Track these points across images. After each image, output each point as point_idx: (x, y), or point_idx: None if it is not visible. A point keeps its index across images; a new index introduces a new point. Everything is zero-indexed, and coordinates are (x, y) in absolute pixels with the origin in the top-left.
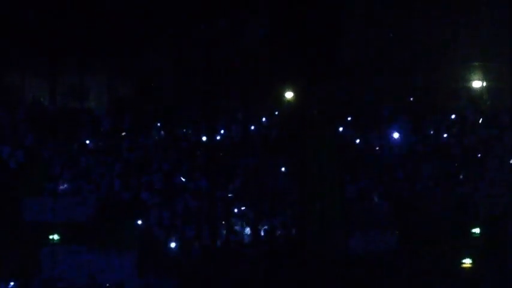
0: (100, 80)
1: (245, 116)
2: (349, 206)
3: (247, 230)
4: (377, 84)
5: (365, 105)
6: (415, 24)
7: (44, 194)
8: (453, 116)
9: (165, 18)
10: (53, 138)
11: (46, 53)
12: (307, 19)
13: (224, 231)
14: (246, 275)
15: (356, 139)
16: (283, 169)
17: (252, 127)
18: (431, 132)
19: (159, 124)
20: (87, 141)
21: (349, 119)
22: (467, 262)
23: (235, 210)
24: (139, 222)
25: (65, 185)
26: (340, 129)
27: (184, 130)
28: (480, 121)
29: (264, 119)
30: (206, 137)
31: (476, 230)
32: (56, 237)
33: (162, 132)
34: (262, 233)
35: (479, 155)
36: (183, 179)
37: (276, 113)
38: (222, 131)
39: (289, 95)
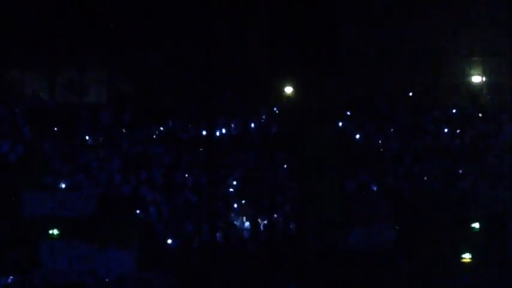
0: (100, 75)
1: (245, 113)
2: (348, 202)
3: (247, 226)
4: (376, 80)
5: (364, 101)
6: (415, 20)
7: (44, 189)
8: (454, 111)
9: (165, 15)
10: (53, 133)
11: (45, 48)
12: (307, 16)
13: (224, 227)
14: (245, 271)
15: (356, 135)
16: (282, 165)
17: (252, 123)
18: (431, 127)
19: (158, 120)
20: (87, 136)
21: (348, 113)
22: (466, 257)
23: (235, 205)
24: (139, 217)
25: (65, 180)
26: (340, 124)
27: (184, 126)
28: (480, 116)
29: (263, 115)
30: (206, 132)
31: (476, 225)
32: (55, 232)
33: (162, 128)
34: (262, 229)
35: (479, 151)
36: (183, 175)
37: (276, 109)
38: (222, 127)
39: (288, 91)
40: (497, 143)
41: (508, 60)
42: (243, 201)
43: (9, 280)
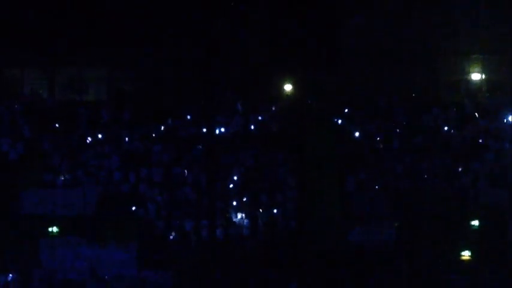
0: (99, 74)
1: (244, 109)
2: (348, 199)
3: (246, 223)
4: (376, 78)
5: (364, 98)
6: (415, 18)
7: (43, 187)
8: (454, 109)
9: (164, 13)
10: (52, 131)
11: (45, 46)
12: (307, 15)
13: (224, 225)
14: (245, 269)
15: (355, 132)
16: (282, 162)
17: (252, 120)
18: (431, 124)
19: (158, 117)
20: (87, 134)
21: (346, 110)
22: (466, 254)
23: (235, 203)
24: (139, 215)
25: (65, 177)
26: (339, 122)
27: (184, 124)
28: (479, 113)
29: (263, 114)
30: (206, 129)
31: (475, 223)
32: (55, 229)
33: (161, 126)
34: (261, 226)
35: (478, 148)
36: (182, 173)
37: (275, 106)
38: (222, 126)
39: (288, 88)
40: (497, 140)
41: (507, 58)
42: (243, 199)
43: (9, 278)
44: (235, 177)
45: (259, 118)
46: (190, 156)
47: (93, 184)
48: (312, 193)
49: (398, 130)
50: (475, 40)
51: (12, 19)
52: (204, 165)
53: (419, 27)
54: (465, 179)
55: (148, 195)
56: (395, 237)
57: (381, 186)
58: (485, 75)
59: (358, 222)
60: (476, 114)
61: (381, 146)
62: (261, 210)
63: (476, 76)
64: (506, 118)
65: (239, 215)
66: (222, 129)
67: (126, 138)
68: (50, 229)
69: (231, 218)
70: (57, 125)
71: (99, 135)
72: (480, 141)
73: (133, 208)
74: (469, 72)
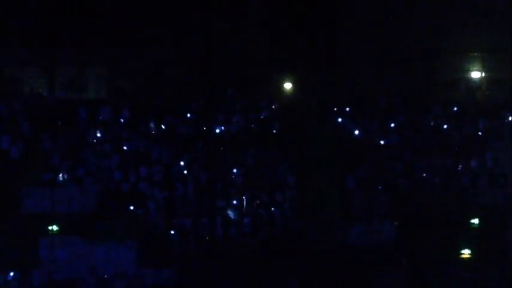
0: (99, 72)
1: (245, 107)
2: (348, 198)
3: (246, 221)
4: (376, 77)
5: (364, 96)
6: (415, 16)
7: (44, 185)
8: (455, 108)
9: (165, 11)
10: (52, 130)
11: (45, 45)
12: (307, 13)
13: (223, 223)
14: (245, 267)
15: (355, 130)
16: (282, 161)
17: (252, 118)
18: (431, 123)
19: (158, 116)
20: (86, 133)
21: (347, 109)
22: (466, 253)
23: (235, 201)
24: (139, 213)
25: (65, 176)
26: (339, 120)
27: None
28: (479, 112)
29: (263, 110)
30: (205, 128)
31: (475, 221)
32: (55, 228)
33: (161, 124)
34: (261, 225)
35: (478, 146)
36: (182, 171)
37: (275, 104)
38: (222, 124)
39: (288, 86)
40: (497, 138)
41: (507, 56)
42: (243, 198)
43: (9, 276)
44: (234, 176)
45: (260, 117)
46: (190, 155)
47: (93, 183)
48: (311, 192)
49: (398, 129)
50: (474, 38)
51: (12, 18)
52: (204, 163)
53: (420, 25)
54: (465, 178)
55: (148, 193)
56: (395, 236)
57: (380, 185)
58: (485, 74)
59: (357, 221)
60: (476, 112)
61: (381, 145)
62: (261, 209)
63: (476, 74)
64: (506, 117)
65: (239, 214)
66: (222, 128)
67: (126, 137)
68: (50, 228)
69: (230, 217)
70: (57, 124)
71: (99, 134)
72: (480, 140)
73: (133, 207)
74: (468, 71)
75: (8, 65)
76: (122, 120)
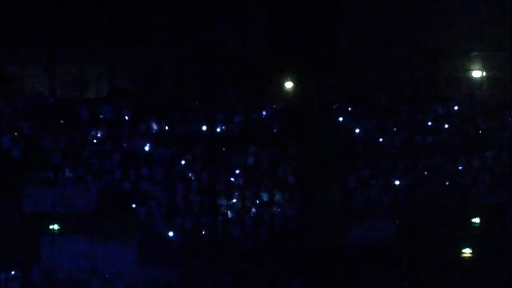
0: (100, 71)
1: (246, 107)
2: (348, 196)
3: (247, 220)
4: (377, 76)
5: (365, 96)
6: (416, 15)
7: (45, 184)
8: (455, 107)
9: (165, 10)
10: (53, 128)
11: (46, 44)
12: (308, 12)
13: (225, 222)
14: (246, 265)
15: (356, 129)
16: (283, 159)
17: (253, 118)
18: (432, 122)
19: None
20: (87, 132)
21: (349, 109)
22: (466, 252)
23: (235, 200)
24: (140, 212)
25: (67, 175)
26: (340, 119)
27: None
28: (480, 111)
29: (264, 111)
30: (206, 127)
31: (476, 220)
32: (56, 227)
33: (162, 123)
34: (262, 223)
35: (479, 145)
36: (183, 170)
37: (276, 103)
38: (223, 123)
39: (289, 85)
40: (497, 137)
41: (508, 55)
42: (244, 197)
43: (10, 275)
44: (236, 176)
45: (261, 116)
46: (191, 154)
47: (94, 182)
48: (312, 191)
49: (399, 127)
50: (476, 37)
51: (13, 18)
52: (205, 163)
53: (421, 24)
54: (466, 176)
55: (149, 192)
56: (395, 234)
57: (381, 184)
58: (486, 73)
59: (358, 220)
60: (477, 111)
61: (382, 143)
62: (261, 208)
63: (477, 74)
64: (507, 116)
65: (240, 213)
66: (223, 127)
67: (127, 136)
68: (51, 227)
69: (232, 216)
70: (58, 123)
71: (100, 133)
72: (481, 138)
73: (134, 205)
74: (469, 70)
75: (9, 64)
76: (123, 118)
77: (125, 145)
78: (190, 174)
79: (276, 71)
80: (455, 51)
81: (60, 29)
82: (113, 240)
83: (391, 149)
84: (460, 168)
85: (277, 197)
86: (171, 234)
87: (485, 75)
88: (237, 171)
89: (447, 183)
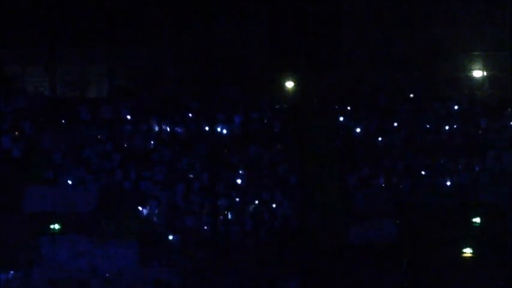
0: (101, 70)
1: (246, 107)
2: (349, 196)
3: (248, 220)
4: (377, 75)
5: (365, 96)
6: (416, 15)
7: (45, 184)
8: (456, 107)
9: (166, 9)
10: (54, 128)
11: (46, 43)
12: (308, 12)
13: (225, 222)
14: (246, 265)
15: (356, 129)
16: (284, 159)
17: (253, 118)
18: (432, 122)
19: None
20: (88, 131)
21: (348, 108)
22: (467, 252)
23: (235, 200)
24: (140, 212)
25: (67, 175)
26: (341, 119)
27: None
28: (480, 111)
29: (265, 110)
30: (207, 127)
31: (477, 220)
32: (56, 226)
33: (163, 123)
34: (262, 223)
35: (480, 145)
36: (183, 170)
37: (277, 103)
38: (224, 123)
39: (289, 85)
40: (498, 137)
41: (509, 55)
42: (245, 197)
43: (10, 275)
44: (236, 176)
45: (261, 116)
46: (192, 154)
47: (94, 181)
48: (312, 191)
49: (399, 127)
50: (476, 37)
51: (13, 17)
52: (206, 163)
53: (421, 24)
54: (466, 176)
55: (149, 192)
56: (396, 233)
57: (382, 183)
58: (487, 73)
59: (358, 220)
60: (477, 110)
61: (382, 143)
62: (262, 208)
63: (477, 73)
64: (508, 115)
65: (241, 213)
66: (224, 127)
67: (128, 136)
68: (51, 226)
69: (232, 216)
70: (59, 122)
71: (101, 133)
72: (481, 138)
73: (135, 205)
74: (470, 70)
75: (9, 63)
76: (124, 118)
77: (125, 145)
78: (190, 174)
79: (276, 71)
80: (455, 51)
81: (61, 28)
82: (113, 240)
83: (391, 149)
84: (460, 168)
85: (277, 196)
86: (171, 234)
87: (486, 75)
88: (238, 171)
89: (447, 183)
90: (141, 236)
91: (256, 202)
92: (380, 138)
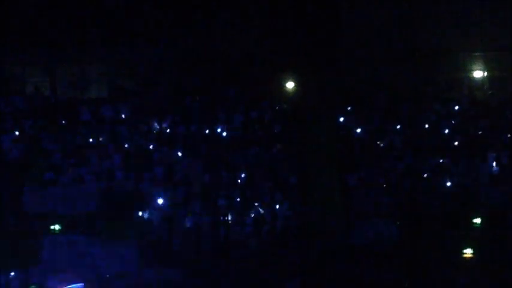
0: (100, 71)
1: (245, 106)
2: (350, 196)
3: (248, 221)
4: (377, 74)
5: (365, 95)
6: (416, 15)
7: (45, 185)
8: (456, 108)
9: (165, 8)
10: (54, 129)
11: (46, 43)
12: (308, 11)
13: (226, 223)
14: (246, 266)
15: (356, 129)
16: (284, 159)
17: (253, 118)
18: (432, 123)
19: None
20: (89, 132)
21: (349, 108)
22: (468, 252)
23: (238, 199)
24: (141, 212)
25: (67, 176)
26: (341, 119)
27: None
28: (480, 111)
29: (265, 110)
30: (207, 127)
31: (477, 221)
32: (57, 227)
33: (163, 123)
34: (262, 225)
35: (480, 146)
36: (184, 170)
37: (277, 104)
38: (223, 123)
39: (289, 84)
40: (498, 138)
41: (509, 55)
42: (245, 198)
43: (10, 276)
44: (236, 176)
45: (261, 117)
46: (192, 155)
47: (95, 182)
48: (312, 191)
49: (399, 127)
50: (477, 37)
51: (13, 17)
52: (206, 163)
53: (421, 24)
54: (466, 176)
55: (149, 193)
56: (396, 234)
57: (382, 184)
58: (487, 73)
59: (358, 220)
60: (478, 111)
61: (382, 143)
62: (262, 208)
63: (477, 74)
64: (508, 116)
65: (241, 214)
66: (224, 128)
67: (128, 136)
68: (52, 227)
69: (232, 216)
70: (59, 123)
71: (102, 133)
72: (482, 139)
73: (135, 206)
74: (470, 70)
75: (9, 64)
76: (124, 118)
77: (126, 146)
78: (190, 175)
79: (276, 71)
80: (455, 51)
81: (61, 28)
82: (113, 240)
83: (391, 149)
84: (460, 168)
85: (277, 196)
86: (171, 234)
87: (486, 76)
88: (238, 172)
89: (448, 183)
90: (142, 236)
91: (256, 202)
92: (380, 139)
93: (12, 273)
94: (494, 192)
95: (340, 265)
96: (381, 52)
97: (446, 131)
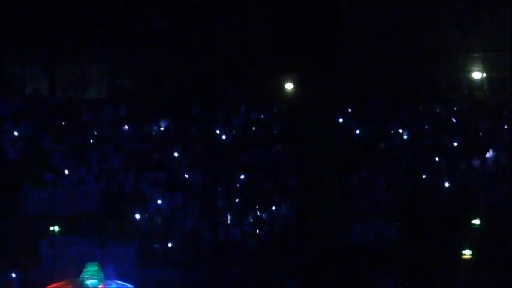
0: (100, 72)
1: (246, 108)
2: (350, 196)
3: (248, 222)
4: (377, 77)
5: (365, 95)
6: (416, 16)
7: (45, 186)
8: (456, 108)
9: (164, 9)
10: (54, 129)
11: (46, 44)
12: (308, 12)
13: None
14: (246, 267)
15: (356, 129)
16: (283, 160)
17: (253, 119)
18: (432, 122)
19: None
20: (88, 133)
21: (349, 110)
22: (467, 253)
23: (237, 200)
24: (140, 213)
25: (66, 177)
26: (340, 120)
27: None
28: (480, 111)
29: (265, 111)
30: (207, 128)
31: (476, 221)
32: (56, 228)
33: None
34: (262, 224)
35: (480, 147)
36: (183, 171)
37: (277, 104)
38: (223, 124)
39: (289, 85)
40: (498, 137)
41: (508, 56)
42: (245, 199)
43: (10, 277)
44: (236, 176)
45: (261, 118)
46: (192, 155)
47: (94, 183)
48: (312, 191)
49: (399, 128)
50: (476, 38)
51: (13, 17)
52: (206, 163)
53: (421, 25)
54: (466, 177)
55: (149, 194)
56: (396, 235)
57: (382, 184)
58: (487, 73)
59: (358, 220)
60: (477, 112)
61: (382, 144)
62: (262, 209)
63: (477, 74)
64: (507, 116)
65: (241, 215)
66: (223, 128)
67: (128, 137)
68: (51, 228)
69: (232, 216)
70: (58, 124)
71: (101, 134)
72: (481, 139)
73: (135, 206)
74: (470, 71)
75: (9, 64)
76: (124, 119)
77: (125, 146)
78: (190, 175)
79: (276, 72)
80: (455, 52)
81: (61, 28)
82: (113, 240)
83: (392, 149)
84: (460, 168)
85: (277, 197)
86: (171, 235)
87: (486, 76)
88: (237, 172)
89: (447, 183)
90: (142, 237)
91: (256, 203)
92: (380, 139)
93: (13, 274)
94: (494, 193)
95: (340, 265)
96: (380, 52)
97: (446, 131)
